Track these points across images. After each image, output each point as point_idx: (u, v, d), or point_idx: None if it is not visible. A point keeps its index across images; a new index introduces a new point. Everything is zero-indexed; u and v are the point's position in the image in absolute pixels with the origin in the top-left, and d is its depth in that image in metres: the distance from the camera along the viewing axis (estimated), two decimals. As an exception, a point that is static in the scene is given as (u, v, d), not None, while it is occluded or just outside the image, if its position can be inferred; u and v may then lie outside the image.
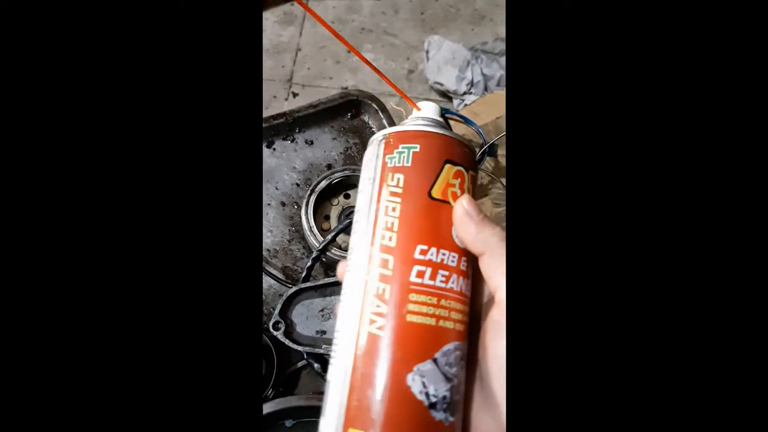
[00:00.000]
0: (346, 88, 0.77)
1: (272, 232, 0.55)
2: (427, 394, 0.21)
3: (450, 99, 0.98)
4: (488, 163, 0.61)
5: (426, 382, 0.21)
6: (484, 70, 0.93)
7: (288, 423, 0.42)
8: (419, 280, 0.22)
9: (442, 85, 0.93)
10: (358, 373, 0.21)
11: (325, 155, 0.60)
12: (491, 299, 0.23)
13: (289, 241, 0.55)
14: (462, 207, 0.23)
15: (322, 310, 0.44)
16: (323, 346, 0.42)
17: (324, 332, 0.43)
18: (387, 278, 0.22)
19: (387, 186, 0.24)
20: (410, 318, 0.22)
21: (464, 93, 0.91)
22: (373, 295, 0.22)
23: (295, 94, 1.25)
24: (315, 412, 0.42)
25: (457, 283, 0.23)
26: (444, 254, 0.23)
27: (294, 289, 0.43)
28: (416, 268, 0.22)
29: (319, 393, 0.45)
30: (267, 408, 0.40)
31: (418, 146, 0.24)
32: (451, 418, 0.21)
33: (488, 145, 0.55)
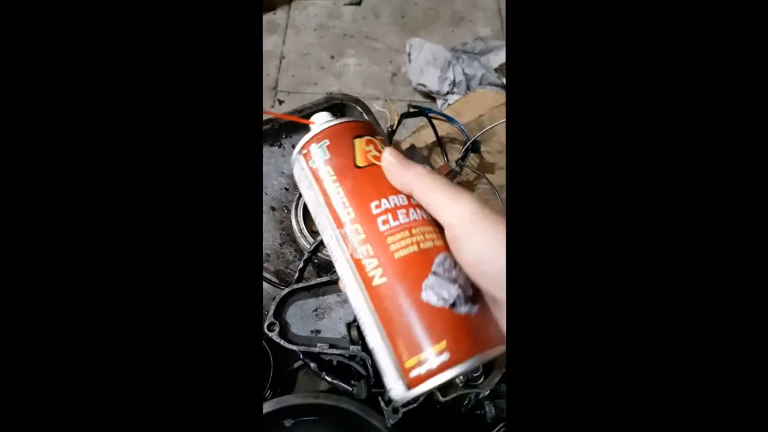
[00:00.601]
0: (330, 93, 0.78)
1: (264, 237, 0.56)
2: (444, 299, 0.24)
3: (434, 99, 0.99)
4: (472, 160, 0.62)
5: (437, 291, 0.24)
6: (465, 70, 0.95)
7: (287, 423, 0.42)
8: (387, 227, 0.26)
9: (425, 86, 0.94)
10: (387, 319, 0.25)
11: (312, 159, 0.61)
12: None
13: (280, 245, 0.55)
14: (386, 159, 0.27)
15: (316, 310, 0.44)
16: (318, 344, 0.43)
17: (318, 331, 0.44)
18: (365, 240, 0.26)
19: (323, 181, 0.28)
20: (398, 255, 0.25)
21: (447, 93, 0.93)
22: (365, 258, 0.26)
23: (280, 101, 1.26)
24: (314, 410, 0.43)
25: (417, 214, 0.27)
26: (393, 199, 0.27)
27: (287, 290, 0.44)
28: (379, 219, 0.26)
29: (318, 392, 0.46)
30: (265, 408, 0.40)
31: (327, 140, 0.29)
32: (475, 308, 0.25)
33: (471, 141, 0.57)
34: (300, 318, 0.44)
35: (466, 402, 0.45)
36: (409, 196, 0.27)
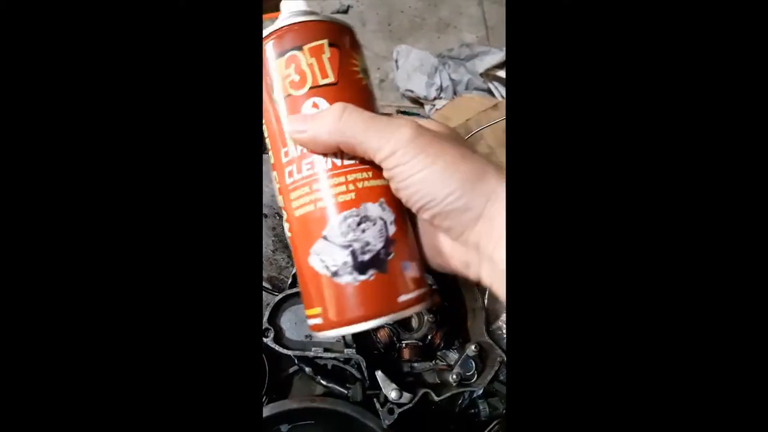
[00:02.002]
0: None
1: (256, 244, 0.56)
2: (327, 267, 0.23)
3: (421, 105, 1.01)
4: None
5: (322, 257, 0.24)
6: (451, 75, 0.97)
7: (284, 428, 0.42)
8: (291, 179, 0.24)
9: (412, 91, 0.96)
10: (296, 268, 0.26)
11: (302, 166, 0.61)
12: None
13: (273, 252, 0.56)
14: (292, 133, 0.24)
15: (310, 315, 0.45)
16: (312, 349, 0.43)
17: (313, 336, 0.44)
18: (279, 190, 0.25)
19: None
20: (297, 212, 0.24)
21: (434, 98, 0.95)
22: (281, 208, 0.26)
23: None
24: (310, 414, 0.43)
25: (326, 163, 0.24)
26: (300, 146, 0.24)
27: (281, 296, 0.44)
28: (287, 170, 0.24)
29: (314, 396, 0.46)
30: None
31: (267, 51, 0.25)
32: (365, 276, 0.23)
33: (459, 145, 0.58)
34: (294, 323, 0.44)
35: (460, 401, 0.45)
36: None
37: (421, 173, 0.23)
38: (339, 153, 0.24)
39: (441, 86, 0.96)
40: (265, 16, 0.26)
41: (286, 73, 0.24)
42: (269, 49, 0.25)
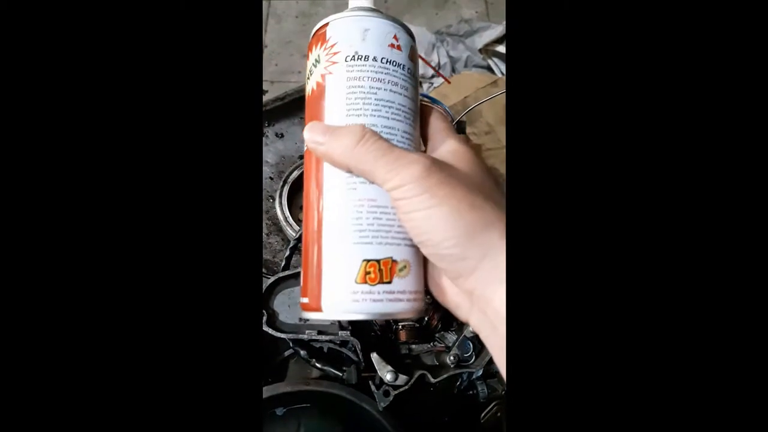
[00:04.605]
0: (315, 81, 0.77)
1: (249, 227, 0.55)
2: None
3: (420, 84, 0.99)
4: (459, 142, 0.61)
5: None
6: (450, 53, 0.94)
7: (279, 411, 0.42)
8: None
9: (410, 70, 0.94)
10: None
11: (296, 146, 0.60)
12: None
13: (267, 235, 0.55)
14: (307, 138, 0.25)
15: (304, 297, 0.44)
16: (307, 332, 0.42)
17: (307, 319, 0.43)
18: None
19: None
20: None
21: (432, 76, 0.92)
22: None
23: (264, 91, 1.24)
24: (306, 397, 0.42)
25: None
26: None
27: (273, 278, 0.43)
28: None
29: (309, 379, 0.46)
30: (256, 397, 0.40)
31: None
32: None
33: (455, 122, 0.56)
34: (288, 306, 0.43)
35: (458, 383, 0.44)
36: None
37: (423, 212, 0.22)
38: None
39: (439, 64, 0.93)
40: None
41: (315, 67, 0.26)
42: (317, 34, 0.28)
